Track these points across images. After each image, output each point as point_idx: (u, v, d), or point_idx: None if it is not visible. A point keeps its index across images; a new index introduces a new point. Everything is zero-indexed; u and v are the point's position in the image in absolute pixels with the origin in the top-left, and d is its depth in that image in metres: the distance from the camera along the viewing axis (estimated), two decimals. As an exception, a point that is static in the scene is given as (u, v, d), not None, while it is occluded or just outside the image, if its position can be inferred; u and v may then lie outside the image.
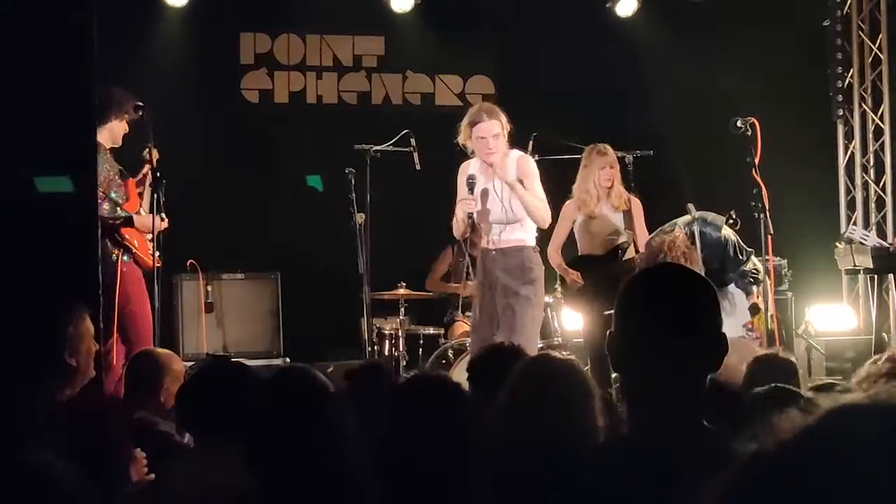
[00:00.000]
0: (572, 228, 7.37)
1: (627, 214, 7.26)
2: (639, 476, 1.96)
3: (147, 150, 6.66)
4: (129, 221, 6.49)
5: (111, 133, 6.52)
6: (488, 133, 6.17)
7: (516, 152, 6.38)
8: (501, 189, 6.25)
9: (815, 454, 0.88)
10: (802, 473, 0.87)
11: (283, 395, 2.75)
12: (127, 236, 6.49)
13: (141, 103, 6.46)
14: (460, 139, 6.33)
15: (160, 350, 5.05)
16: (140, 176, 6.70)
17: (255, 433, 2.69)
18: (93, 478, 2.22)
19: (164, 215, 6.46)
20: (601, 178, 7.23)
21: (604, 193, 7.25)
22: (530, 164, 6.37)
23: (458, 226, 6.42)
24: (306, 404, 2.68)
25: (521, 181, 6.24)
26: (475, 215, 6.27)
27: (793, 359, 4.29)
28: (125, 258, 6.45)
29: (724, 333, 2.17)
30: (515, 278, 6.20)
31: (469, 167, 6.40)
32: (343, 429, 2.63)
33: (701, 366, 2.13)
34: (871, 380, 3.24)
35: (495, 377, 3.24)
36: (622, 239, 7.19)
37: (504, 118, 6.26)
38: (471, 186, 6.27)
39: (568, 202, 7.35)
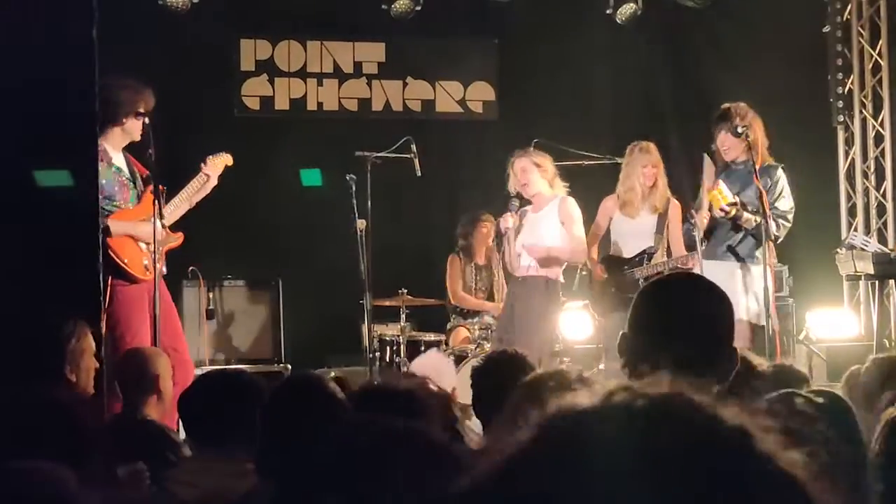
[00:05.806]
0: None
1: (662, 218, 7.15)
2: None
3: (212, 160, 6.65)
4: (105, 231, 5.86)
5: (125, 132, 6.33)
6: (518, 167, 6.97)
7: (558, 196, 7.00)
8: (538, 226, 6.93)
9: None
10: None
11: (290, 401, 2.75)
12: (113, 248, 6.01)
13: (144, 111, 6.36)
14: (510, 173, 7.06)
15: (146, 348, 5.06)
16: (192, 185, 6.59)
17: (262, 439, 2.69)
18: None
19: (164, 222, 6.35)
20: (643, 177, 7.14)
21: (647, 192, 7.16)
22: (570, 207, 6.99)
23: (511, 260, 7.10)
24: (314, 410, 2.68)
25: (563, 223, 6.94)
26: (510, 232, 6.97)
27: (803, 369, 4.27)
28: (115, 278, 5.92)
29: (734, 345, 2.17)
30: (536, 302, 6.89)
31: (506, 220, 7.07)
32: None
33: (713, 372, 2.13)
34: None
35: (498, 385, 3.23)
36: (650, 244, 7.09)
37: (537, 158, 7.00)
38: (512, 207, 7.00)
39: (608, 197, 7.26)
